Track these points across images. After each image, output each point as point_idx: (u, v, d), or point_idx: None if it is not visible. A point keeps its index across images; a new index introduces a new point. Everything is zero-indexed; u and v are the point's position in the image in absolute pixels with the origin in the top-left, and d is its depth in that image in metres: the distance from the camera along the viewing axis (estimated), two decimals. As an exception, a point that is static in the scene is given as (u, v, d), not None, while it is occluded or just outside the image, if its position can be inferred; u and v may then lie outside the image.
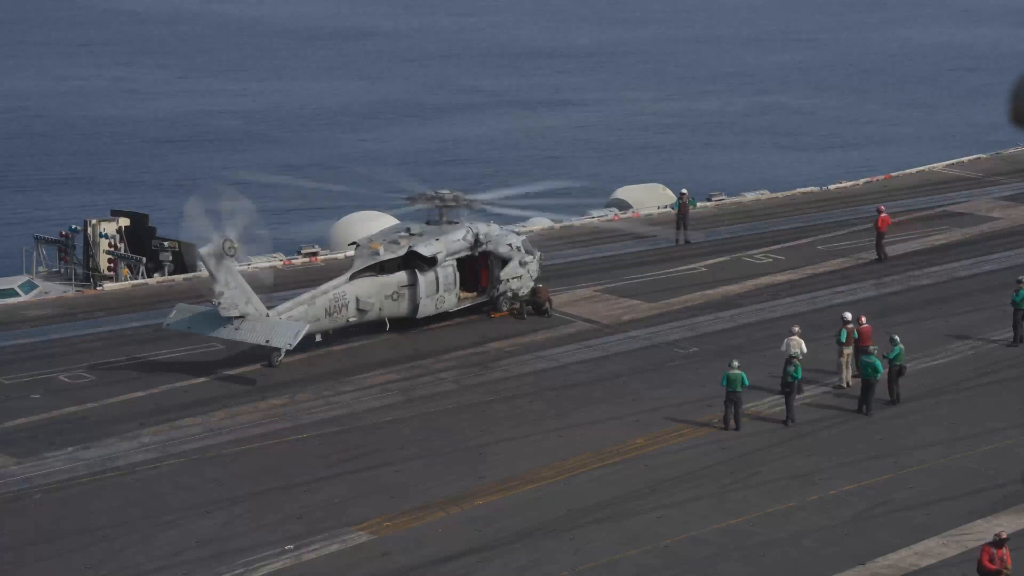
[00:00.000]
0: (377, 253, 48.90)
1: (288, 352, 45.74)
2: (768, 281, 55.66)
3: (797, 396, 41.69)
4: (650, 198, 68.74)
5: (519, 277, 51.77)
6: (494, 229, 51.49)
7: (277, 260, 58.22)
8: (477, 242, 50.57)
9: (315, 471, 38.19)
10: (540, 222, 65.00)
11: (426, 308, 49.30)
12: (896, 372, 42.61)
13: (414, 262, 49.18)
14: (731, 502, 36.26)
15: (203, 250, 44.97)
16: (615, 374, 45.70)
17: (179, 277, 56.98)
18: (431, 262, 49.25)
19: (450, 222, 50.77)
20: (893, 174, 74.52)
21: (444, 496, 36.57)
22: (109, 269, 61.13)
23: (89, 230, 62.15)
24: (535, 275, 52.70)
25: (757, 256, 59.06)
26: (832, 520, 35.17)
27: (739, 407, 40.93)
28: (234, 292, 45.24)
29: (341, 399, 43.43)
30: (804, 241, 61.24)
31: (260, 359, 46.23)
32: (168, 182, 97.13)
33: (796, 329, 43.42)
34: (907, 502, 36.37)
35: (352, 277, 48.35)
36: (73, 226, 63.56)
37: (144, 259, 59.90)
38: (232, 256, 44.97)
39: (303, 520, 35.25)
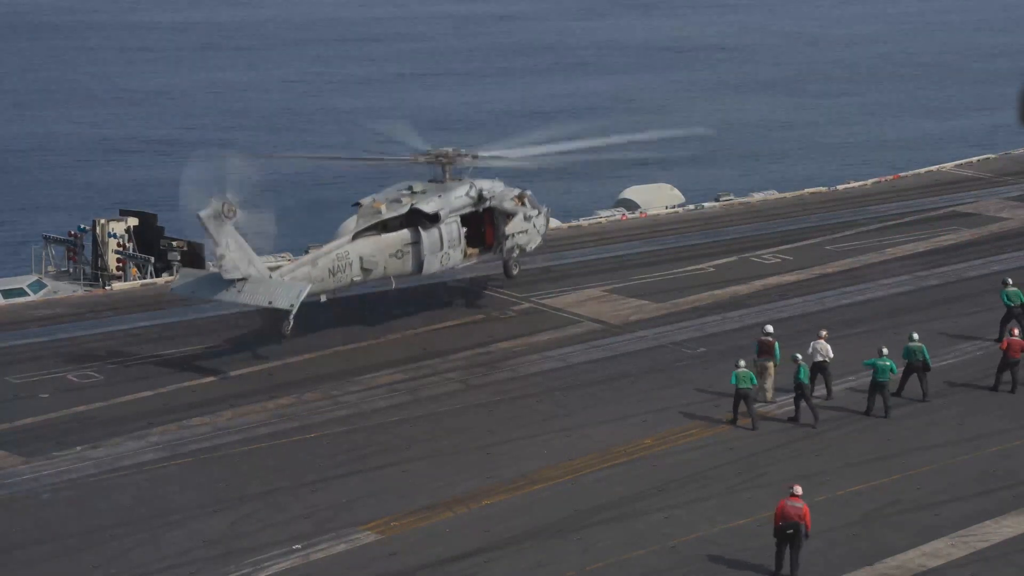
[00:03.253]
0: (379, 212, 48.71)
1: (291, 334, 45.52)
2: (776, 281, 55.61)
3: (814, 398, 41.69)
4: (658, 198, 68.73)
5: (525, 232, 51.67)
6: (498, 185, 51.24)
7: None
8: (480, 198, 50.36)
9: (323, 471, 38.21)
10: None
11: (431, 265, 49.19)
12: (920, 368, 42.64)
13: (417, 219, 49.00)
14: (739, 503, 36.23)
15: (202, 213, 44.55)
16: (623, 374, 45.68)
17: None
18: (434, 219, 49.05)
19: (453, 179, 50.55)
20: (902, 174, 74.47)
21: (451, 496, 36.57)
22: (118, 269, 61.21)
23: (98, 230, 62.23)
24: (543, 230, 52.53)
25: (765, 256, 59.02)
26: (840, 521, 35.13)
27: (751, 405, 40.95)
28: (235, 255, 45.00)
29: (348, 399, 43.44)
30: (812, 241, 61.20)
31: (266, 356, 46.33)
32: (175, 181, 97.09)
33: (823, 333, 43.30)
34: (915, 503, 36.33)
35: (355, 237, 48.23)
36: (82, 226, 63.63)
37: (153, 259, 59.96)
38: (231, 218, 44.68)
39: (311, 520, 35.27)
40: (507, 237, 51.10)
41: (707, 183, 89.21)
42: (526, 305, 52.56)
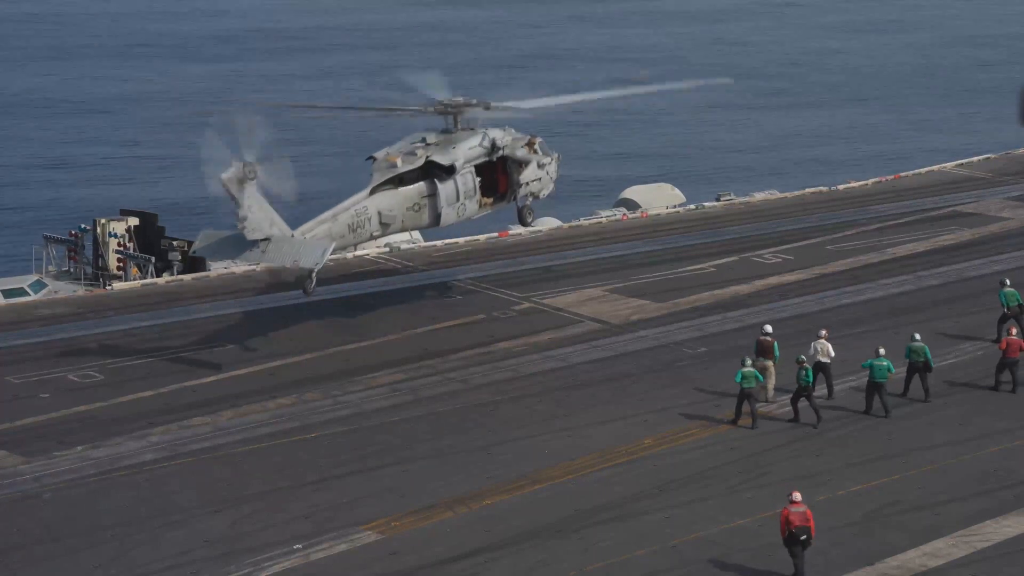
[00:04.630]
0: (395, 166, 48.64)
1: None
2: (777, 281, 55.64)
3: (817, 399, 41.69)
4: (658, 198, 68.78)
5: (538, 179, 51.71)
6: (509, 133, 51.23)
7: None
8: (494, 147, 50.38)
9: (323, 471, 38.21)
10: (549, 222, 65.04)
11: (448, 217, 49.37)
12: (922, 368, 42.68)
13: (433, 172, 49.01)
14: (739, 502, 36.24)
15: (224, 175, 44.44)
16: (623, 374, 45.68)
17: (188, 276, 57.04)
18: (449, 170, 49.11)
19: (465, 130, 50.41)
20: (902, 174, 74.48)
21: (452, 496, 36.57)
22: (118, 268, 61.22)
23: (98, 229, 62.26)
24: (555, 177, 52.58)
25: (766, 256, 59.04)
26: (841, 520, 35.13)
27: (754, 404, 40.97)
28: (258, 215, 44.96)
29: (349, 399, 43.44)
30: (813, 241, 61.22)
31: (267, 356, 46.35)
32: (177, 179, 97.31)
33: (823, 332, 43.29)
34: (916, 503, 36.33)
35: (372, 191, 48.24)
36: (82, 226, 63.66)
37: (153, 258, 59.98)
38: (252, 179, 44.51)
39: (311, 520, 35.27)
40: (521, 185, 51.11)
41: (708, 183, 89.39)
42: (526, 305, 52.57)
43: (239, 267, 57.52)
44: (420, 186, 48.81)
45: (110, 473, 37.96)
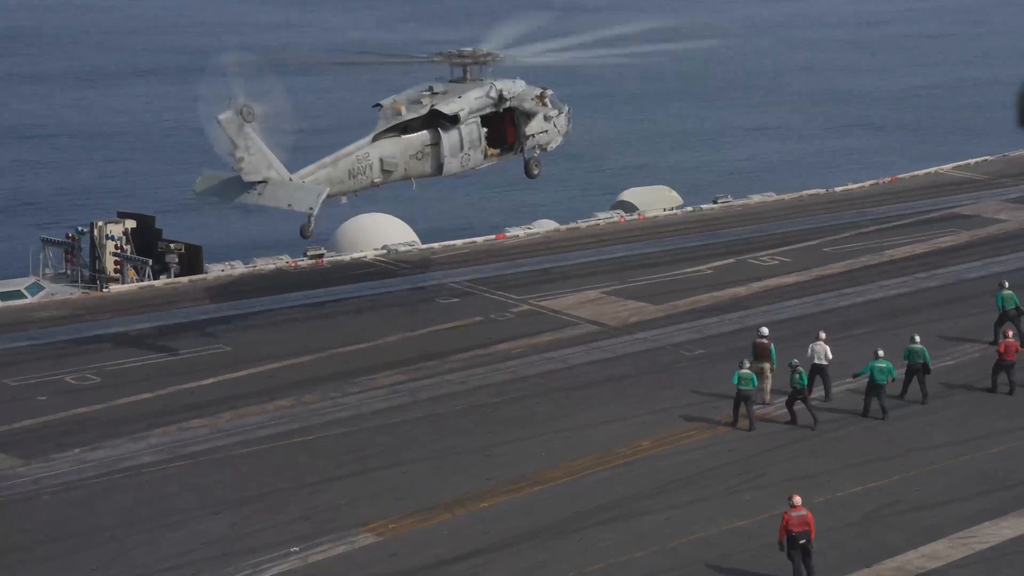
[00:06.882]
0: (399, 114, 48.69)
1: (315, 216, 45.38)
2: (775, 283, 55.64)
3: (813, 400, 41.70)
4: (657, 200, 68.75)
5: (545, 131, 51.73)
6: (519, 85, 51.22)
7: (283, 261, 58.28)
8: (501, 98, 50.37)
9: (322, 472, 38.20)
10: (546, 224, 65.02)
11: (451, 167, 49.44)
12: (920, 370, 42.70)
13: (437, 121, 49.05)
14: (738, 504, 36.24)
15: (221, 116, 44.49)
16: (622, 376, 45.68)
17: (185, 279, 57.02)
18: (454, 120, 49.12)
19: (474, 80, 50.38)
20: (900, 176, 74.51)
21: (451, 497, 36.57)
22: (115, 271, 61.17)
23: (95, 232, 62.17)
24: (564, 130, 52.58)
25: (763, 258, 59.05)
26: (840, 522, 35.14)
27: (751, 406, 40.96)
28: (255, 157, 45.01)
29: (348, 400, 43.43)
30: (811, 243, 61.23)
31: (265, 358, 46.31)
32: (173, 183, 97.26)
33: (822, 335, 43.27)
34: (915, 504, 36.34)
35: (375, 138, 48.31)
36: (79, 228, 63.57)
37: (150, 261, 59.92)
38: (250, 121, 44.53)
39: (310, 521, 35.27)
40: (528, 137, 51.15)
41: (706, 184, 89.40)
42: (525, 307, 52.56)
43: (236, 269, 57.55)
44: (423, 134, 48.93)
45: (109, 475, 37.92)
